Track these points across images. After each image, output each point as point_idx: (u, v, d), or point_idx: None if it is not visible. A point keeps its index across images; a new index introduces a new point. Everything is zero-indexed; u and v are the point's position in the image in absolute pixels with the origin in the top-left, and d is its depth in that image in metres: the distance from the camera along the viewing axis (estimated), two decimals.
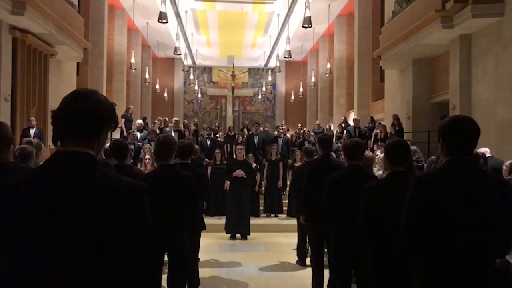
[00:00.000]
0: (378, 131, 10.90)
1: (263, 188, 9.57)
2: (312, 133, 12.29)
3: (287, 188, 9.56)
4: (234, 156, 8.17)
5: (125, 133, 10.70)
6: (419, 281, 1.91)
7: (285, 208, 9.38)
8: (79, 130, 1.26)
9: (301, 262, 5.98)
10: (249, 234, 7.62)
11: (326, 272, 4.04)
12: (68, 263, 1.15)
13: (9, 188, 1.21)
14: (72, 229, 1.16)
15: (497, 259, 1.90)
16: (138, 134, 10.22)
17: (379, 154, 6.24)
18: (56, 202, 1.17)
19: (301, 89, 22.50)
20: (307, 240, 5.37)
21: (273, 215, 9.38)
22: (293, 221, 6.97)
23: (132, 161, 5.77)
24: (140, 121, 11.08)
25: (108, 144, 4.17)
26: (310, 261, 4.76)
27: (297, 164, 8.46)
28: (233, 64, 22.41)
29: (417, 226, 1.86)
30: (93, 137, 1.29)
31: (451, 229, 1.81)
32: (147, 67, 20.88)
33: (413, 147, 5.90)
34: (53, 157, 1.26)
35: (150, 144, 8.61)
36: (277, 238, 7.63)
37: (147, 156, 7.47)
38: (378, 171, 5.21)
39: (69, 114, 1.25)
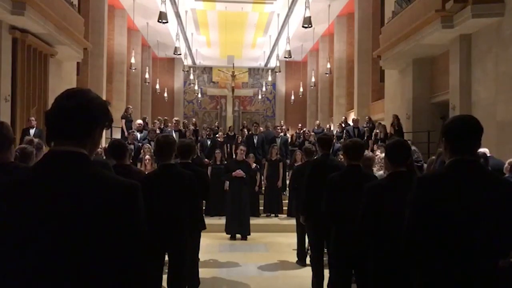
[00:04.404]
0: (378, 131, 10.90)
1: (263, 188, 9.56)
2: (312, 133, 12.29)
3: (287, 188, 9.56)
4: (234, 156, 8.17)
5: (126, 133, 10.70)
6: (421, 281, 1.90)
7: (285, 208, 9.37)
8: (71, 130, 1.24)
9: (301, 262, 5.98)
10: (249, 234, 7.61)
11: (326, 272, 4.04)
12: (61, 262, 1.15)
13: (1, 188, 1.20)
14: (65, 229, 1.15)
15: (500, 259, 1.89)
16: (138, 135, 10.22)
17: (379, 154, 6.23)
18: (48, 202, 1.16)
19: (301, 89, 22.48)
20: (307, 240, 5.37)
21: (273, 215, 9.38)
22: (293, 221, 6.96)
23: (131, 161, 5.75)
24: (140, 121, 11.07)
25: (107, 144, 4.17)
26: (310, 261, 4.75)
27: (297, 164, 8.46)
28: (233, 64, 22.39)
29: (420, 227, 1.84)
30: (86, 136, 1.27)
31: (454, 229, 1.79)
32: (147, 67, 20.87)
33: (412, 147, 5.89)
34: (45, 157, 1.25)
35: (150, 144, 8.61)
36: (277, 238, 7.62)
37: (147, 157, 7.48)
38: (378, 171, 5.21)
39: (61, 113, 1.24)
